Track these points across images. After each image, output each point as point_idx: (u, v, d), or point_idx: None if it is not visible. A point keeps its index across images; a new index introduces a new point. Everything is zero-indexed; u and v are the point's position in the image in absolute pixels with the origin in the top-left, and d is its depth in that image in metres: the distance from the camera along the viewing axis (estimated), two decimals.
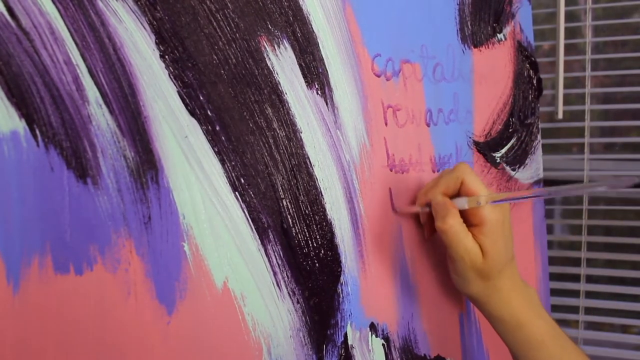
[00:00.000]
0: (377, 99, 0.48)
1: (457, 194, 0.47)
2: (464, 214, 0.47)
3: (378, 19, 0.49)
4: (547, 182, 0.95)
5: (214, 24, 0.38)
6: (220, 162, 0.37)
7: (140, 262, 0.34)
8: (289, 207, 0.41)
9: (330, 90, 0.44)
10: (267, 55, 0.40)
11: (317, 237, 0.43)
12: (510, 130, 0.64)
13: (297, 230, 0.41)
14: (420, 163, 0.52)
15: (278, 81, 0.41)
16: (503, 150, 0.63)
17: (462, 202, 0.46)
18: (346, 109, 0.45)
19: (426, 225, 0.51)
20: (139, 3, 0.34)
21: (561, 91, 1.04)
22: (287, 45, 0.42)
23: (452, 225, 0.45)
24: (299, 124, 0.42)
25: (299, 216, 0.42)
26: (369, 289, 0.47)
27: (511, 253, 0.48)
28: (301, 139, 0.42)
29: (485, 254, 0.46)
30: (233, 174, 0.38)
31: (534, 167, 0.68)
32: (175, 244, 0.35)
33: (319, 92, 0.44)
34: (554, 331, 0.47)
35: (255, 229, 0.39)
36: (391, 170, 0.49)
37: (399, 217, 0.50)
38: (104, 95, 0.32)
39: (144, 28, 0.34)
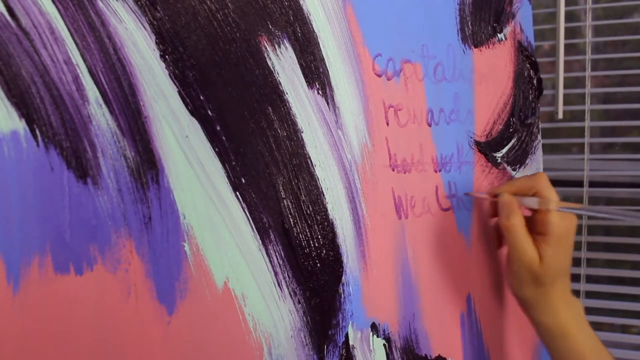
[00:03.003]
0: (378, 98, 0.48)
1: None
2: (532, 221, 0.48)
3: (379, 18, 0.49)
4: None
5: (215, 23, 0.37)
6: (220, 162, 0.37)
7: (141, 262, 0.33)
8: (290, 207, 0.41)
9: (331, 90, 0.44)
10: (268, 55, 0.40)
11: (319, 237, 0.43)
12: (510, 130, 0.64)
13: (299, 230, 0.41)
14: (422, 163, 0.52)
15: (279, 81, 0.41)
16: (504, 150, 0.63)
17: (533, 202, 0.48)
18: (347, 109, 0.45)
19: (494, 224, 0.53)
20: (139, 3, 0.34)
21: (561, 91, 1.04)
22: (287, 45, 0.42)
23: (514, 225, 0.47)
24: (300, 123, 0.42)
25: (300, 216, 0.41)
26: (371, 289, 0.46)
27: (568, 265, 0.49)
28: (302, 138, 0.42)
29: (543, 261, 0.47)
30: (234, 174, 0.38)
31: (534, 167, 0.68)
32: (175, 244, 0.35)
33: (320, 92, 0.43)
34: (596, 347, 0.48)
35: (256, 228, 0.39)
36: (393, 170, 0.49)
37: (402, 217, 0.50)
38: (104, 95, 0.32)
39: (144, 28, 0.34)
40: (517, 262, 0.48)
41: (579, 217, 1.08)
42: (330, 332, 0.43)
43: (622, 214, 0.49)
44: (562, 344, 0.48)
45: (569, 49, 1.07)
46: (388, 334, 0.48)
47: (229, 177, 0.38)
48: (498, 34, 0.62)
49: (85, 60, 0.32)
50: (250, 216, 0.39)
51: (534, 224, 0.49)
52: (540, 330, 0.50)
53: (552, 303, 0.49)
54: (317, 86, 0.43)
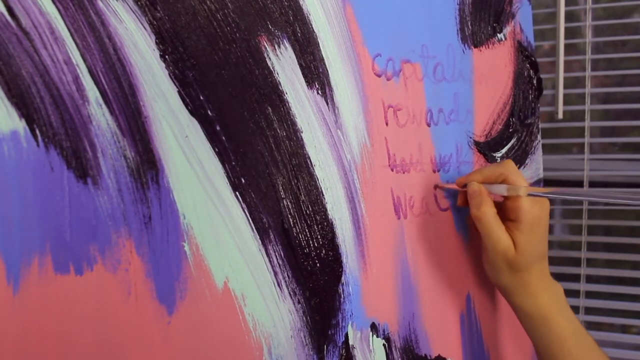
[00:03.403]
0: (377, 98, 0.48)
1: None
2: (503, 208, 0.48)
3: (378, 18, 0.49)
4: (547, 182, 0.95)
5: (214, 23, 0.37)
6: (220, 162, 0.37)
7: (141, 262, 0.33)
8: (290, 207, 0.41)
9: (331, 90, 0.44)
10: (268, 55, 0.40)
11: (318, 237, 0.43)
12: (510, 130, 0.64)
13: (298, 230, 0.41)
14: (421, 163, 0.52)
15: (278, 81, 0.41)
16: (503, 150, 0.63)
17: (502, 189, 0.47)
18: (347, 109, 0.45)
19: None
20: (139, 3, 0.34)
21: (561, 91, 1.04)
22: (287, 45, 0.42)
23: (485, 214, 0.47)
24: (300, 123, 0.42)
25: (300, 216, 0.41)
26: (370, 289, 0.46)
27: (544, 250, 0.49)
28: (302, 138, 0.42)
29: (518, 248, 0.47)
30: (233, 174, 0.38)
31: (534, 167, 0.68)
32: (175, 244, 0.35)
33: (320, 92, 0.43)
34: (577, 330, 0.48)
35: (256, 229, 0.39)
36: (392, 170, 0.49)
37: (401, 217, 0.50)
38: (104, 95, 0.32)
39: (144, 28, 0.34)
40: (491, 251, 0.48)
41: (579, 217, 1.08)
42: (330, 332, 0.43)
43: (587, 194, 0.49)
44: (542, 329, 0.48)
45: (569, 49, 1.07)
46: (388, 334, 0.48)
47: (228, 177, 0.38)
48: (498, 34, 0.62)
49: (85, 60, 0.32)
50: (250, 216, 0.39)
51: (505, 211, 0.48)
52: (521, 316, 0.50)
53: (529, 288, 0.48)
54: (317, 86, 0.43)
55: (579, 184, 1.08)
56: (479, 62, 0.59)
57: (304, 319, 0.42)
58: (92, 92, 0.32)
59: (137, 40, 0.34)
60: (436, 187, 0.52)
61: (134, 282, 0.33)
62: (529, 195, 0.47)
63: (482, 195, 0.48)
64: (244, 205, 0.38)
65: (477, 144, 0.59)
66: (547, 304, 0.48)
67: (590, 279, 1.09)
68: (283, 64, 0.41)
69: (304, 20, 0.43)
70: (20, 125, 0.29)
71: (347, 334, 0.44)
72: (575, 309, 1.09)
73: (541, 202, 0.48)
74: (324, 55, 0.44)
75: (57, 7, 0.31)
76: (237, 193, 0.38)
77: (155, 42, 0.35)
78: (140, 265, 0.33)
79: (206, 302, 0.36)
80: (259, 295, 0.39)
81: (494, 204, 0.48)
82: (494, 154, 0.62)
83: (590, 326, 1.11)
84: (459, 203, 0.53)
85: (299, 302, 0.41)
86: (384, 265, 0.48)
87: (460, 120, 0.57)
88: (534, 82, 0.68)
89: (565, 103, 1.06)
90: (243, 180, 0.39)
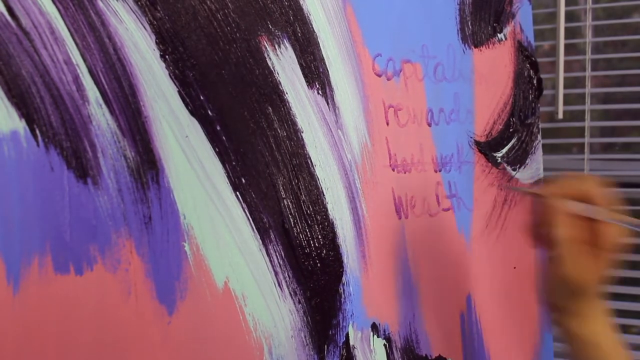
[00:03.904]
0: (378, 98, 0.48)
1: None
2: (581, 227, 0.44)
3: (379, 18, 0.49)
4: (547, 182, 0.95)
5: (215, 23, 0.37)
6: (221, 162, 0.37)
7: (141, 262, 0.33)
8: (291, 207, 0.41)
9: (331, 90, 0.44)
10: (268, 55, 0.40)
11: (319, 237, 0.43)
12: (510, 130, 0.64)
13: (299, 230, 0.41)
14: (422, 163, 0.52)
15: (279, 81, 0.41)
16: (504, 150, 0.63)
17: (590, 211, 0.43)
18: (347, 109, 0.45)
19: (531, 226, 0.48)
20: (139, 3, 0.34)
21: (561, 91, 1.04)
22: (287, 45, 0.41)
23: (568, 239, 0.43)
24: (300, 123, 0.42)
25: (301, 216, 0.41)
26: (371, 289, 0.46)
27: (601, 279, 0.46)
28: (302, 138, 0.42)
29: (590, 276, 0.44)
30: (234, 174, 0.38)
31: (534, 167, 0.68)
32: (175, 244, 0.35)
33: (320, 92, 0.43)
34: (621, 354, 0.47)
35: (256, 228, 0.39)
36: (393, 170, 0.49)
37: (402, 217, 0.50)
38: (104, 95, 0.32)
39: (145, 28, 0.34)
40: (561, 277, 0.44)
41: None
42: (330, 332, 0.43)
43: None
44: (593, 354, 0.46)
45: (569, 49, 1.07)
46: (388, 334, 0.48)
47: (229, 177, 0.38)
48: (498, 34, 0.62)
49: (85, 60, 0.32)
50: (251, 216, 0.39)
51: (582, 230, 0.44)
52: (571, 339, 0.47)
53: (591, 313, 0.46)
54: (317, 86, 0.43)
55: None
56: (479, 62, 0.59)
57: (305, 319, 0.41)
58: (92, 92, 0.32)
59: (137, 40, 0.34)
60: (507, 187, 0.48)
61: (134, 282, 0.33)
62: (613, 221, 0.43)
63: (566, 215, 0.43)
64: (244, 205, 0.38)
65: (477, 143, 0.59)
66: (602, 330, 0.46)
67: None
68: (283, 63, 0.41)
69: (305, 20, 0.43)
70: (20, 125, 0.29)
71: (347, 334, 0.44)
72: None
73: (621, 229, 0.44)
74: (324, 55, 0.44)
75: (57, 7, 0.31)
76: (237, 193, 0.38)
77: (156, 42, 0.35)
78: (141, 265, 0.33)
79: (206, 302, 0.36)
80: (259, 295, 0.39)
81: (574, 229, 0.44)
82: (495, 154, 0.62)
83: None
84: (526, 209, 0.47)
85: (299, 302, 0.41)
86: (384, 265, 0.48)
87: (461, 120, 0.57)
88: (534, 82, 0.68)
89: (565, 103, 1.06)
90: (243, 180, 0.38)
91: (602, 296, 0.46)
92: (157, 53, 0.35)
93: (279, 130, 0.41)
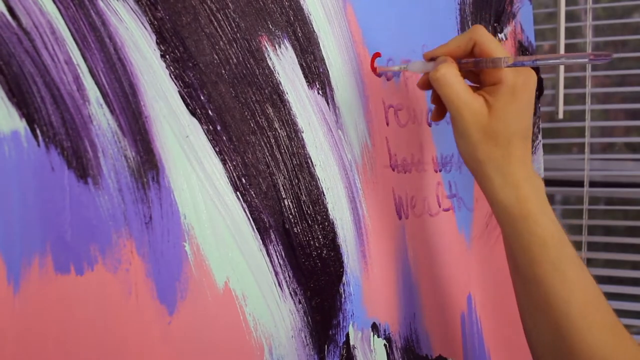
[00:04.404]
0: (378, 98, 0.48)
1: (471, 56, 0.43)
2: (480, 79, 0.42)
3: (379, 18, 0.49)
4: (548, 182, 0.95)
5: (215, 23, 0.37)
6: (221, 162, 0.37)
7: (141, 262, 0.33)
8: (291, 207, 0.41)
9: (331, 90, 0.44)
10: (268, 55, 0.40)
11: (319, 237, 0.43)
12: None
13: (299, 230, 0.41)
14: (422, 163, 0.52)
15: (279, 81, 0.41)
16: None
17: (477, 62, 0.41)
18: (347, 109, 0.45)
19: (434, 105, 0.46)
20: (139, 3, 0.34)
21: (561, 91, 1.04)
22: (288, 45, 0.42)
23: (445, 74, 0.40)
24: (300, 123, 0.42)
25: (301, 216, 0.41)
26: (371, 289, 0.46)
27: (527, 125, 0.41)
28: (302, 138, 0.42)
29: (494, 112, 0.40)
30: (234, 174, 0.38)
31: (535, 166, 0.68)
32: (176, 244, 0.35)
33: (320, 91, 0.43)
34: (559, 233, 0.41)
35: (256, 229, 0.39)
36: (393, 170, 0.49)
37: (402, 217, 0.50)
38: (104, 95, 0.32)
39: (145, 28, 0.34)
40: (460, 118, 0.40)
41: (579, 217, 1.08)
42: (331, 332, 0.43)
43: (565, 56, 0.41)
44: (521, 227, 0.41)
45: (569, 49, 1.07)
46: (389, 334, 0.48)
47: (229, 177, 0.38)
48: (499, 34, 0.62)
49: (85, 60, 0.32)
50: (251, 216, 0.39)
51: (483, 79, 0.42)
52: (498, 211, 0.42)
53: (510, 172, 0.40)
54: (318, 86, 0.43)
55: (579, 184, 1.08)
56: None
57: (305, 319, 0.41)
58: (92, 92, 0.32)
59: (137, 40, 0.34)
60: (376, 70, 0.45)
61: (135, 282, 0.33)
62: (510, 66, 0.40)
63: (442, 58, 0.41)
64: (244, 205, 0.38)
65: None
66: (529, 199, 0.40)
67: None
68: (284, 63, 0.41)
69: (305, 20, 0.43)
70: (20, 125, 0.29)
71: (348, 334, 0.44)
72: None
73: (526, 72, 0.41)
74: (324, 55, 0.44)
75: (57, 7, 0.31)
76: (237, 193, 0.38)
77: (156, 42, 0.35)
78: (141, 265, 0.33)
79: (207, 302, 0.36)
80: (259, 296, 0.39)
81: (458, 68, 0.41)
82: None
83: None
84: (418, 84, 0.45)
85: (299, 302, 0.41)
86: (385, 265, 0.48)
87: None
88: None
89: (565, 103, 1.06)
90: (244, 180, 0.38)
91: (527, 156, 0.42)
92: (158, 53, 0.35)
93: (279, 130, 0.41)
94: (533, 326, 0.43)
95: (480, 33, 0.42)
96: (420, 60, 0.45)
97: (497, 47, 0.41)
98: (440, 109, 0.46)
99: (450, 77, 0.40)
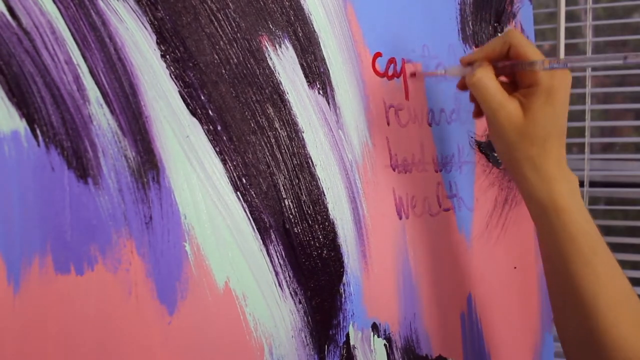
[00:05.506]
0: (378, 98, 0.48)
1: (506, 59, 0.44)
2: (516, 80, 0.43)
3: (379, 18, 0.49)
4: None
5: (215, 23, 0.37)
6: (221, 162, 0.37)
7: (141, 262, 0.33)
8: (291, 207, 0.41)
9: (332, 90, 0.44)
10: (269, 55, 0.40)
11: (320, 237, 0.43)
12: None
13: (299, 230, 0.41)
14: (423, 163, 0.52)
15: (279, 81, 0.41)
16: None
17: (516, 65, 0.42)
18: (348, 109, 0.45)
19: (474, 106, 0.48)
20: (140, 3, 0.34)
21: None
22: (288, 44, 0.41)
23: (480, 78, 0.42)
24: (301, 123, 0.42)
25: (301, 216, 0.41)
26: (372, 289, 0.46)
27: (563, 126, 0.42)
28: (303, 138, 0.42)
29: (529, 114, 0.41)
30: (234, 174, 0.38)
31: None
32: (176, 244, 0.35)
33: (321, 91, 0.43)
34: (591, 229, 0.42)
35: (257, 229, 0.39)
36: (394, 170, 0.49)
37: (402, 217, 0.50)
38: (104, 95, 0.32)
39: (145, 28, 0.34)
40: (496, 121, 0.42)
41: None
42: (331, 332, 0.43)
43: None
44: (554, 222, 0.41)
45: (569, 49, 1.07)
46: (389, 334, 0.48)
47: (229, 177, 0.38)
48: (499, 34, 0.62)
49: (86, 60, 0.32)
50: (251, 216, 0.39)
51: (519, 81, 0.43)
52: (531, 205, 0.43)
53: (544, 170, 0.42)
54: (318, 86, 0.43)
55: (579, 184, 1.08)
56: None
57: (305, 319, 0.41)
58: (92, 92, 0.32)
59: (138, 40, 0.34)
60: (413, 75, 0.47)
61: (135, 282, 0.33)
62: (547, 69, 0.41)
63: (478, 63, 0.43)
64: (245, 205, 0.38)
65: (478, 143, 0.59)
66: (563, 194, 0.41)
67: None
68: (284, 63, 0.41)
69: (305, 20, 0.43)
70: (20, 125, 0.29)
71: (348, 334, 0.44)
72: None
73: (561, 74, 0.42)
74: (325, 55, 0.44)
75: (57, 7, 0.31)
76: (238, 193, 0.38)
77: (156, 41, 0.35)
78: (141, 265, 0.33)
79: (207, 302, 0.36)
80: (260, 295, 0.39)
81: (494, 71, 0.43)
82: (496, 154, 0.62)
83: None
84: (458, 86, 0.47)
85: (300, 302, 0.41)
86: (385, 265, 0.48)
87: (462, 120, 0.57)
88: None
89: None
90: (244, 180, 0.38)
91: (562, 155, 0.42)
92: (158, 53, 0.35)
93: (279, 130, 0.41)
94: (563, 320, 0.44)
95: (515, 36, 0.43)
96: (459, 65, 0.47)
97: (532, 49, 0.43)
98: (479, 107, 0.47)
99: (487, 81, 0.42)
